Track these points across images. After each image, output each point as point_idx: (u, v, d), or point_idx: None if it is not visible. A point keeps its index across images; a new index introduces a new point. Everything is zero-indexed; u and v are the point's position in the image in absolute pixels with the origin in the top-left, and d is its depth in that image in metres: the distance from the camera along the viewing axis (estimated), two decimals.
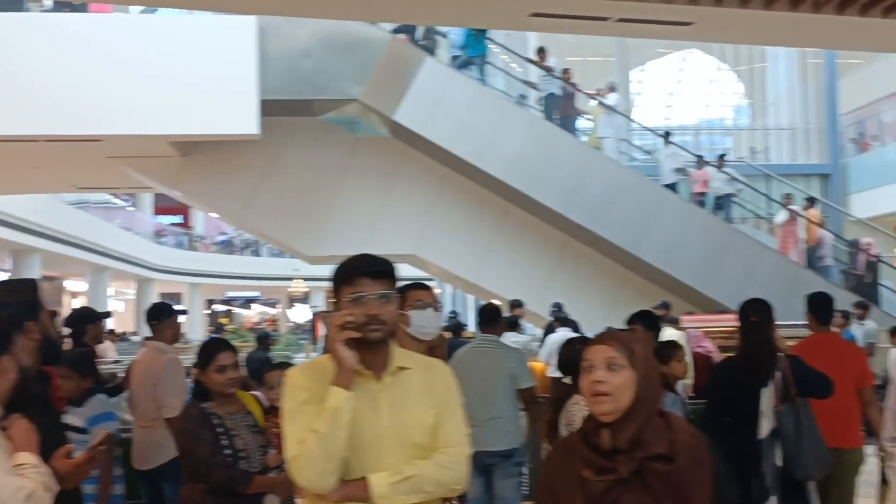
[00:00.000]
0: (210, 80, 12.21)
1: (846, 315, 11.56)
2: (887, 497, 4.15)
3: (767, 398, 4.77)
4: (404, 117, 13.13)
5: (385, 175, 14.07)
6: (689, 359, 10.78)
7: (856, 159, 23.19)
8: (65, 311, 38.39)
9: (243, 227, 17.18)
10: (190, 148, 13.64)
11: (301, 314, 47.16)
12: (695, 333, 11.35)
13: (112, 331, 25.04)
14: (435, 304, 3.97)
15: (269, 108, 12.74)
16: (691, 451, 2.43)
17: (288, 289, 41.74)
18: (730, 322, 11.96)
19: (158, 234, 41.56)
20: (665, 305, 11.34)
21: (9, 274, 26.61)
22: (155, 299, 41.75)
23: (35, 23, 12.59)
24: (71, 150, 13.05)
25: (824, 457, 4.72)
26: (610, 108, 15.23)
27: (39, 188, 18.21)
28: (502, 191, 13.77)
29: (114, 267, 33.44)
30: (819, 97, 22.45)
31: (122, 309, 46.25)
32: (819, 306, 5.76)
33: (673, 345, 5.66)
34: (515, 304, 12.44)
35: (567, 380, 4.76)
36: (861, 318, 11.68)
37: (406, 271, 18.34)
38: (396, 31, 13.44)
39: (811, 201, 16.43)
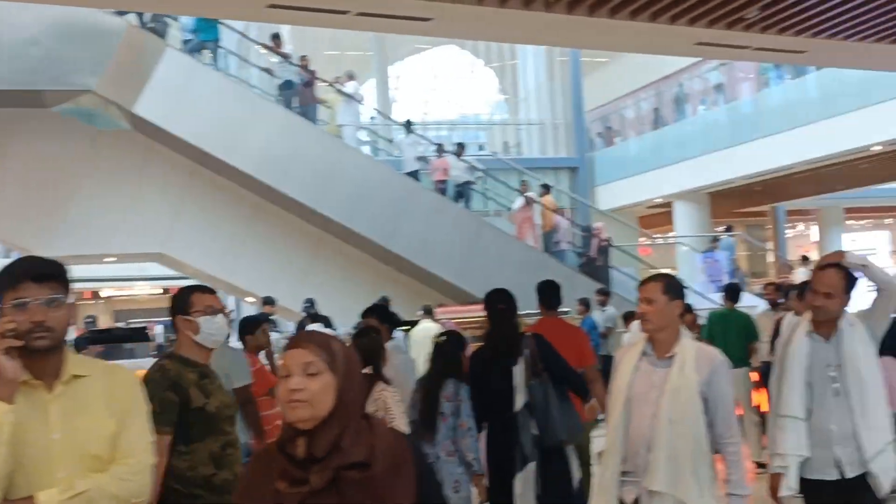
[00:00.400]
0: None
1: (586, 303, 12.09)
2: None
3: (519, 374, 5.16)
4: (144, 110, 12.54)
5: (129, 170, 13.40)
6: None
7: (600, 153, 24.43)
8: None
9: None
10: None
11: None
12: (450, 324, 11.56)
13: None
14: (224, 309, 3.82)
15: None
16: (391, 456, 2.32)
17: None
18: (482, 312, 12.30)
19: None
20: (384, 300, 11.57)
21: None
22: None
23: None
24: None
25: (574, 423, 5.17)
26: (348, 97, 15.04)
27: None
28: (254, 186, 13.45)
29: None
30: (566, 94, 23.43)
31: None
32: (547, 292, 6.23)
33: None
34: (267, 302, 12.21)
35: (367, 370, 4.93)
36: (602, 304, 12.24)
37: (157, 270, 17.75)
38: (121, 13, 12.68)
39: (546, 188, 17.08)
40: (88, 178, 13.21)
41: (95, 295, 49.50)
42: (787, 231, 27.13)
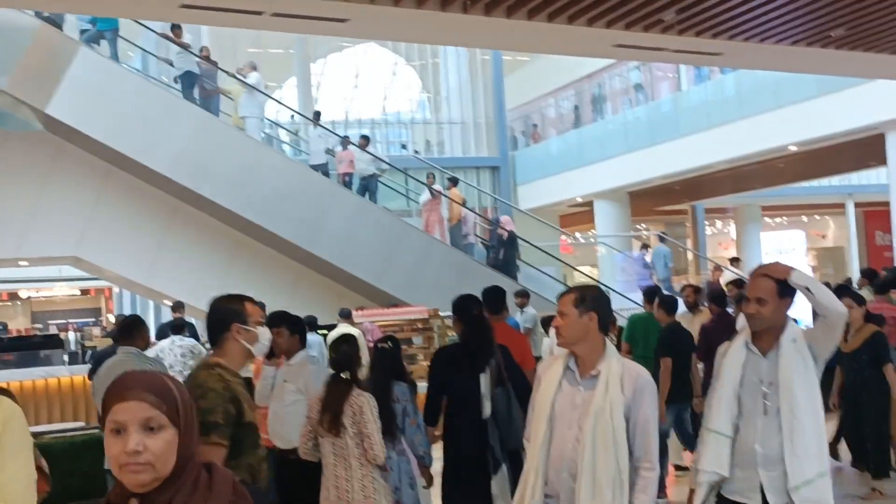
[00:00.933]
0: None
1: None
2: None
3: (485, 382, 5.34)
4: (57, 110, 12.21)
5: (39, 172, 13.04)
6: (366, 355, 10.98)
7: (521, 153, 24.59)
8: None
9: None
10: None
11: None
12: (370, 327, 11.51)
13: None
14: None
15: None
16: None
17: None
18: (404, 315, 12.30)
19: None
20: (262, 305, 11.43)
21: None
22: None
23: None
24: None
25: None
26: (251, 87, 14.68)
27: None
28: (171, 188, 13.21)
29: None
30: (488, 93, 23.52)
31: None
32: (493, 298, 6.45)
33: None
34: (178, 306, 11.99)
35: (345, 375, 5.20)
36: (522, 305, 12.30)
37: (75, 272, 17.32)
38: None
39: (454, 181, 17.10)
40: None
41: (13, 296, 48.30)
42: (706, 229, 27.64)
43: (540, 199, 23.17)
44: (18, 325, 44.51)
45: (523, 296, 12.38)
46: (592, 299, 3.68)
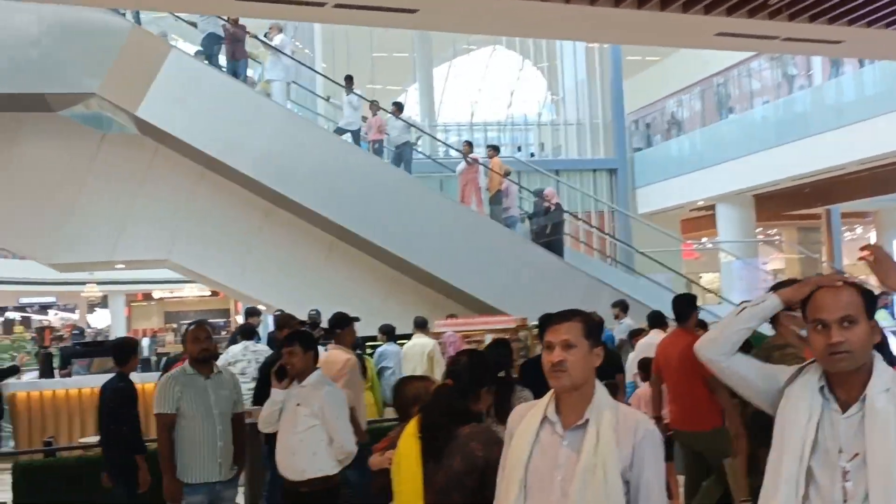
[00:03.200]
0: None
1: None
2: None
3: None
4: (148, 113, 12.17)
5: (134, 175, 13.04)
6: (441, 368, 10.43)
7: (641, 155, 23.62)
8: None
9: None
10: None
11: (102, 319, 45.11)
12: (452, 339, 10.93)
13: None
14: None
15: None
16: None
17: (81, 293, 39.52)
18: (488, 324, 11.65)
19: None
20: (318, 314, 11.07)
21: None
22: None
23: None
24: None
25: None
26: (276, 50, 14.14)
27: None
28: (262, 190, 13.00)
29: None
30: (605, 93, 22.72)
31: None
32: (684, 304, 6.70)
33: None
34: (254, 312, 11.70)
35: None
36: (618, 317, 11.53)
37: (164, 274, 17.37)
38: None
39: (495, 149, 16.28)
40: (94, 182, 12.89)
41: (147, 297, 49.99)
42: (845, 234, 25.96)
43: (659, 203, 22.17)
44: (153, 324, 46.11)
45: (621, 306, 11.59)
46: (599, 330, 3.02)
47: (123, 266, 14.49)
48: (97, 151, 12.99)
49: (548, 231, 15.04)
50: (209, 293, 46.35)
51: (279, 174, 12.64)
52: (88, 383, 10.50)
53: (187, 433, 5.49)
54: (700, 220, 24.00)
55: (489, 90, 36.00)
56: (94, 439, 9.02)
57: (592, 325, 2.95)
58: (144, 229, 12.97)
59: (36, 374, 11.32)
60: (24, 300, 46.30)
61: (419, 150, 15.88)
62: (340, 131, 14.67)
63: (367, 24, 10.37)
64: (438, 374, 10.37)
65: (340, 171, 13.01)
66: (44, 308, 47.20)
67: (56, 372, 10.85)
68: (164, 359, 11.88)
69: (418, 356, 9.57)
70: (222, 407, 5.64)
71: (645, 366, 7.74)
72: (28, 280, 39.30)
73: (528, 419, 2.92)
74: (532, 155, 23.32)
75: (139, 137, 13.08)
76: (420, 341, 10.22)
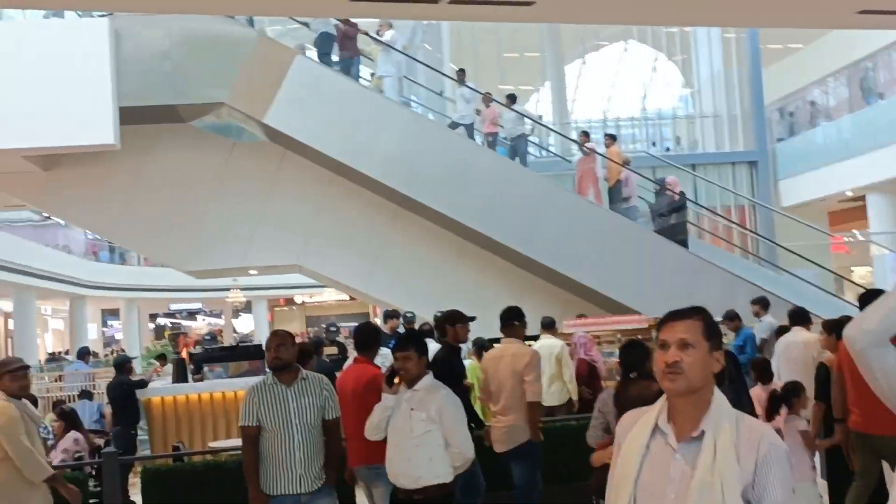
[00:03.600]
0: (61, 88, 11.35)
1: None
2: None
3: None
4: (274, 119, 12.31)
5: (264, 182, 13.21)
6: (570, 370, 10.14)
7: (783, 145, 22.66)
8: None
9: (116, 240, 16.29)
10: (51, 162, 12.74)
11: (246, 324, 46.45)
12: (582, 340, 10.62)
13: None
14: None
15: (131, 116, 11.90)
16: None
17: (226, 299, 40.76)
18: (619, 324, 11.26)
19: (93, 250, 40.58)
20: (410, 317, 10.98)
21: None
22: (89, 316, 40.93)
23: None
24: None
25: None
26: (387, 46, 14.01)
27: None
28: (389, 193, 12.98)
29: (39, 286, 32.51)
30: (743, 83, 21.93)
31: (60, 327, 45.23)
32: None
33: None
34: (393, 315, 11.68)
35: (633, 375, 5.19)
36: (758, 314, 10.96)
37: (305, 279, 17.61)
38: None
39: (612, 138, 15.70)
40: (225, 190, 13.12)
41: (289, 301, 51.26)
42: None
43: (804, 195, 21.18)
44: (294, 328, 47.09)
45: (761, 304, 11.02)
46: (719, 332, 2.68)
47: (256, 272, 14.73)
48: (228, 159, 13.24)
49: (672, 222, 14.53)
50: (348, 297, 47.22)
51: (406, 177, 12.59)
52: (220, 388, 10.69)
53: (266, 445, 5.38)
54: (849, 211, 22.79)
55: (622, 86, 35.50)
56: (223, 444, 9.17)
57: (713, 326, 2.65)
58: (275, 235, 13.13)
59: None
60: (174, 307, 48.18)
61: (550, 149, 15.62)
62: (454, 125, 14.59)
63: (483, 19, 10.20)
64: (567, 377, 10.12)
65: (467, 171, 12.86)
66: (191, 314, 48.98)
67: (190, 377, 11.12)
68: None
69: (546, 358, 9.28)
70: (304, 416, 5.42)
71: (759, 366, 7.28)
72: (176, 287, 40.88)
73: (638, 428, 2.67)
74: (668, 149, 22.69)
75: (268, 144, 13.27)
76: (548, 342, 9.94)
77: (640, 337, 11.35)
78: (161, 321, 48.09)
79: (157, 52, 12.12)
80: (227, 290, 39.23)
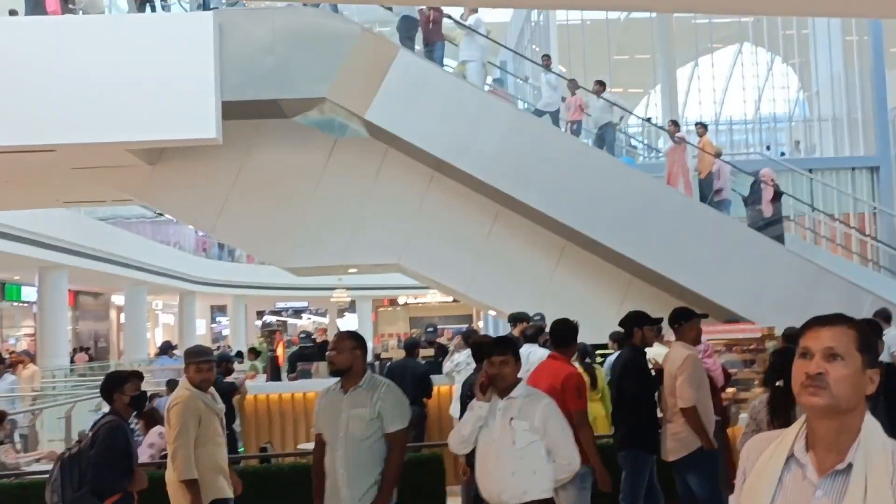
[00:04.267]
0: (165, 82, 11.35)
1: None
2: None
3: None
4: (377, 115, 12.13)
5: (365, 179, 13.05)
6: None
7: None
8: (113, 325, 39.04)
9: (218, 236, 16.37)
10: (155, 156, 12.83)
11: (350, 323, 46.86)
12: (702, 348, 10.09)
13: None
14: None
15: (235, 111, 11.88)
16: None
17: (331, 298, 41.12)
18: (729, 333, 10.72)
19: (203, 247, 41.44)
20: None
21: (36, 289, 26.93)
22: (198, 312, 41.82)
23: None
24: (30, 163, 12.32)
25: None
26: (471, 30, 13.66)
27: (25, 203, 17.61)
28: (491, 193, 12.68)
29: (151, 281, 33.30)
30: (865, 86, 20.98)
31: (171, 322, 46.33)
32: None
33: None
34: (518, 318, 11.32)
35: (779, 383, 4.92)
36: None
37: (409, 280, 17.43)
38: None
39: (704, 127, 14.97)
40: (326, 187, 13.00)
41: (393, 302, 51.53)
42: None
43: None
44: (398, 329, 47.35)
45: (883, 316, 10.33)
46: (875, 345, 2.28)
47: (356, 270, 14.60)
48: (329, 156, 13.12)
49: (766, 218, 13.87)
50: (451, 299, 47.13)
51: (509, 175, 12.27)
52: (312, 387, 10.52)
53: (325, 455, 5.12)
54: None
55: (735, 89, 34.59)
56: (310, 446, 8.99)
57: (869, 338, 2.24)
58: (375, 233, 12.95)
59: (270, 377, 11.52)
60: (280, 305, 48.94)
61: (643, 140, 15.11)
62: (539, 113, 14.21)
63: (580, 7, 9.74)
64: None
65: (573, 170, 12.47)
66: (297, 312, 49.70)
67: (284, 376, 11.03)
68: (387, 363, 11.75)
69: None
70: (351, 427, 5.03)
71: None
72: (283, 285, 41.45)
73: (768, 456, 2.26)
74: (783, 154, 21.88)
75: (370, 141, 13.12)
76: (657, 350, 9.48)
77: (753, 347, 10.81)
78: (268, 318, 48.87)
79: (261, 47, 12.07)
80: (333, 289, 39.59)
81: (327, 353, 5.30)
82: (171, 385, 11.11)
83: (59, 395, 16.66)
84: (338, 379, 5.30)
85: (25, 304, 33.17)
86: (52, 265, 25.19)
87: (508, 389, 4.89)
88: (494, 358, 4.91)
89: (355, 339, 5.31)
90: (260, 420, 10.44)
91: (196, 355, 6.01)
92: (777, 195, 14.46)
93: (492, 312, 14.59)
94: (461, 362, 10.34)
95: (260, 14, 12.04)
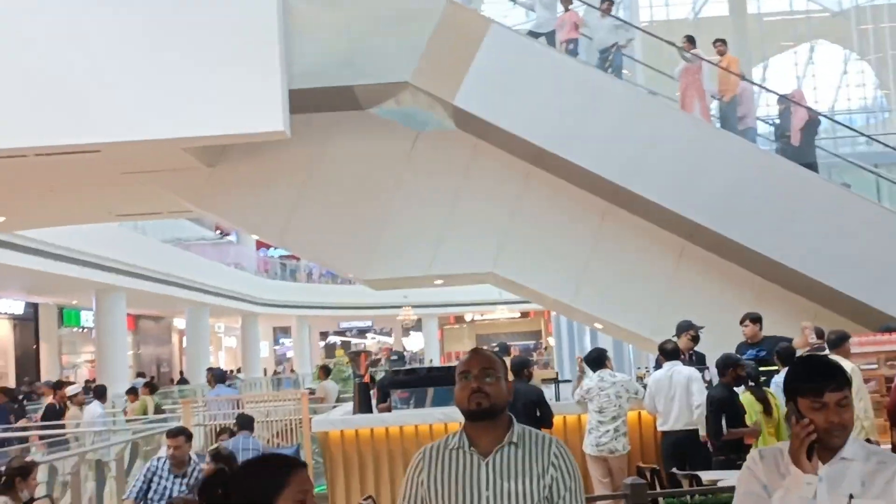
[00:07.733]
0: (224, 69, 9.84)
1: None
2: None
3: None
4: (466, 101, 10.54)
5: (451, 178, 11.44)
6: (865, 401, 7.94)
7: None
8: (174, 349, 38.40)
9: (285, 246, 14.83)
10: (214, 156, 11.37)
11: (416, 342, 45.59)
12: None
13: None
14: None
15: (303, 102, 10.35)
16: None
17: (397, 317, 39.73)
18: (881, 346, 8.93)
19: (264, 268, 40.52)
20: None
21: (92, 312, 26.17)
22: (261, 334, 40.70)
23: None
24: (74, 167, 10.93)
25: None
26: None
27: (76, 217, 16.30)
28: (598, 187, 11.00)
29: (212, 303, 32.31)
30: None
31: (233, 345, 45.33)
32: None
33: None
34: (684, 329, 9.69)
35: None
36: None
37: (510, 295, 15.77)
38: None
39: (724, 43, 12.96)
40: (408, 188, 11.43)
41: (459, 319, 49.98)
42: None
43: None
44: (464, 347, 45.75)
45: None
46: None
47: (441, 282, 12.94)
48: (411, 151, 11.53)
49: (799, 143, 12.03)
50: (518, 315, 45.48)
51: (622, 166, 10.58)
52: (413, 420, 8.73)
53: None
54: None
55: (809, 86, 33.27)
56: None
57: None
58: (464, 239, 11.32)
59: (352, 406, 9.77)
60: (344, 325, 47.76)
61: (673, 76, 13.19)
62: (534, 35, 12.47)
63: None
64: (862, 410, 7.89)
65: (700, 159, 10.75)
66: (361, 332, 48.41)
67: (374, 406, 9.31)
68: None
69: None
70: None
71: None
72: (346, 305, 40.20)
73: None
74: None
75: (456, 133, 11.52)
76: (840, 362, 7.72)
77: None
78: (332, 339, 47.73)
79: (332, 28, 10.56)
80: (398, 307, 38.29)
81: (471, 381, 3.34)
82: (243, 422, 9.47)
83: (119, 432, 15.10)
84: (459, 430, 3.23)
85: (85, 330, 32.36)
86: (108, 287, 24.26)
87: (837, 449, 3.02)
88: (829, 396, 3.03)
89: (502, 364, 3.45)
90: (349, 461, 8.61)
91: None
92: (811, 122, 12.57)
93: (598, 325, 12.83)
94: (592, 388, 8.69)
95: None
